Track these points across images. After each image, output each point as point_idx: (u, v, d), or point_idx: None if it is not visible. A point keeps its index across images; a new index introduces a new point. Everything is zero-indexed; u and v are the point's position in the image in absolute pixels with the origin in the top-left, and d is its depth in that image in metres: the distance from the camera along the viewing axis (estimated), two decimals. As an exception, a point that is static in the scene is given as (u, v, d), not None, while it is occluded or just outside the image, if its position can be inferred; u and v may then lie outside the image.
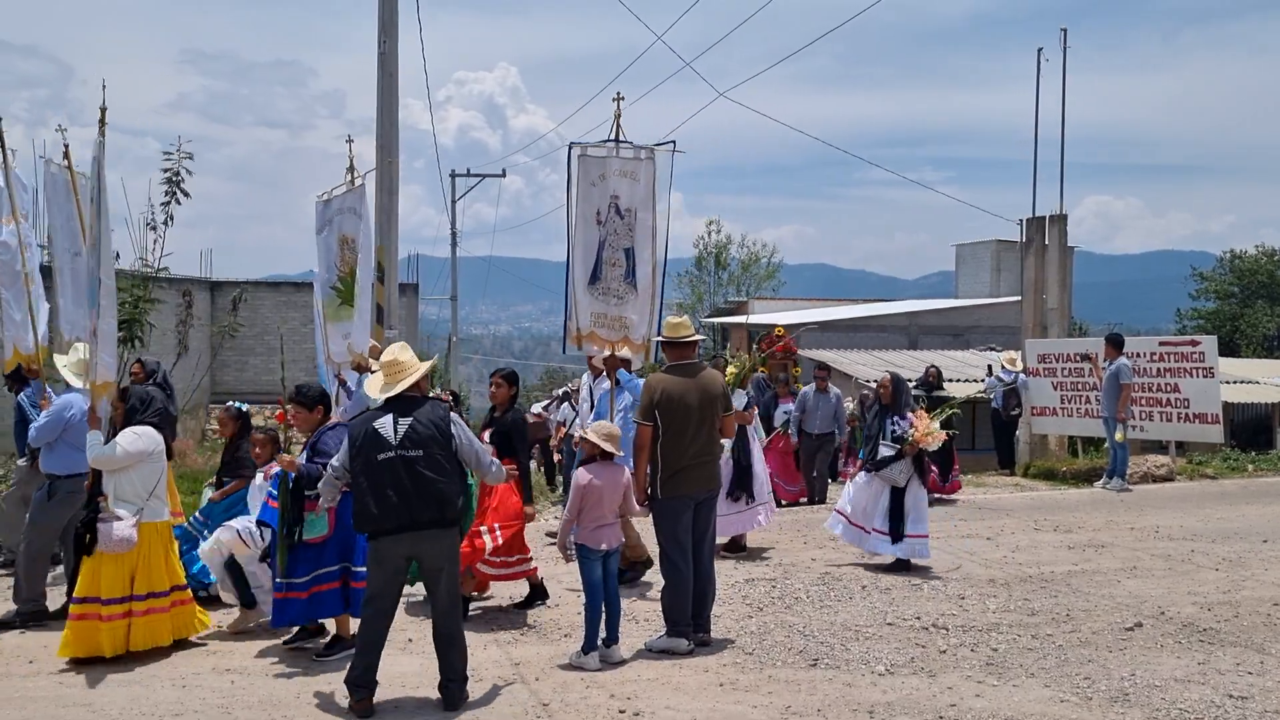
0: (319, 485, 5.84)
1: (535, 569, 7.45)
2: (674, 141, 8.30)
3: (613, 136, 8.43)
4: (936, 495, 11.55)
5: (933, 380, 12.18)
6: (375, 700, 5.47)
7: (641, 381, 7.73)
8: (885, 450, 8.63)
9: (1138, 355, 14.16)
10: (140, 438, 6.41)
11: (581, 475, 6.30)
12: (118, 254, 11.58)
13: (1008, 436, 15.85)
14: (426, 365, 5.95)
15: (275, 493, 6.46)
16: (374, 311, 9.22)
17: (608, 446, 6.33)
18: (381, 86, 11.50)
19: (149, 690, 5.81)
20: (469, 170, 37.92)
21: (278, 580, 6.34)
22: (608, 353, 8.35)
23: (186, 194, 11.46)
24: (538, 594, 7.53)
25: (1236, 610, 7.39)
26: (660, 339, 7.11)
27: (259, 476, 7.22)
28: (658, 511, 6.65)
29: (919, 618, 7.18)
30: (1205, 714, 5.38)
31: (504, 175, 38.46)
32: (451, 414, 5.69)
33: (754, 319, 34.67)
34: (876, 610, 7.39)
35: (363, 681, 5.44)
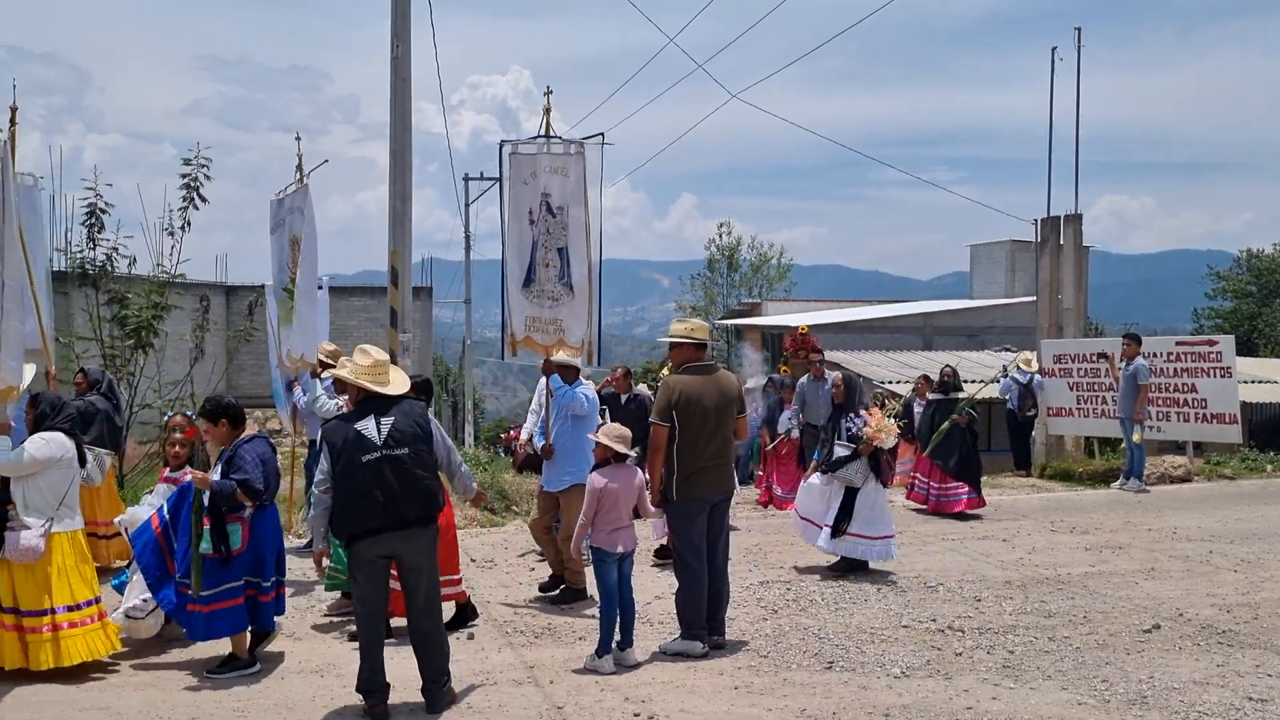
0: (313, 508, 5.65)
1: (463, 593, 7.13)
2: (602, 134, 7.99)
3: (542, 132, 8.13)
4: (968, 512, 11.41)
5: (948, 381, 11.99)
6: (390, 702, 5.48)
7: (579, 391, 7.65)
8: (840, 450, 8.50)
9: (1154, 355, 14.07)
10: (48, 444, 6.19)
11: (596, 479, 6.29)
12: (134, 259, 11.65)
13: (1023, 437, 15.77)
14: (403, 377, 5.85)
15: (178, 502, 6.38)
16: (305, 321, 8.76)
17: (620, 448, 6.33)
18: (395, 91, 11.51)
19: (165, 693, 5.83)
20: (482, 174, 37.91)
21: (191, 594, 6.23)
22: (549, 358, 8.02)
23: (204, 199, 11.49)
24: (466, 615, 7.16)
25: (1256, 612, 7.33)
26: (671, 339, 6.97)
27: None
28: (673, 513, 6.63)
29: (934, 620, 7.14)
30: (1225, 717, 5.34)
31: (517, 178, 38.43)
32: (429, 413, 5.70)
33: (768, 320, 34.63)
34: (892, 613, 7.36)
35: (373, 686, 5.46)
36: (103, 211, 11.33)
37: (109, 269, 11.50)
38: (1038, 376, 15.42)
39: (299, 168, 8.77)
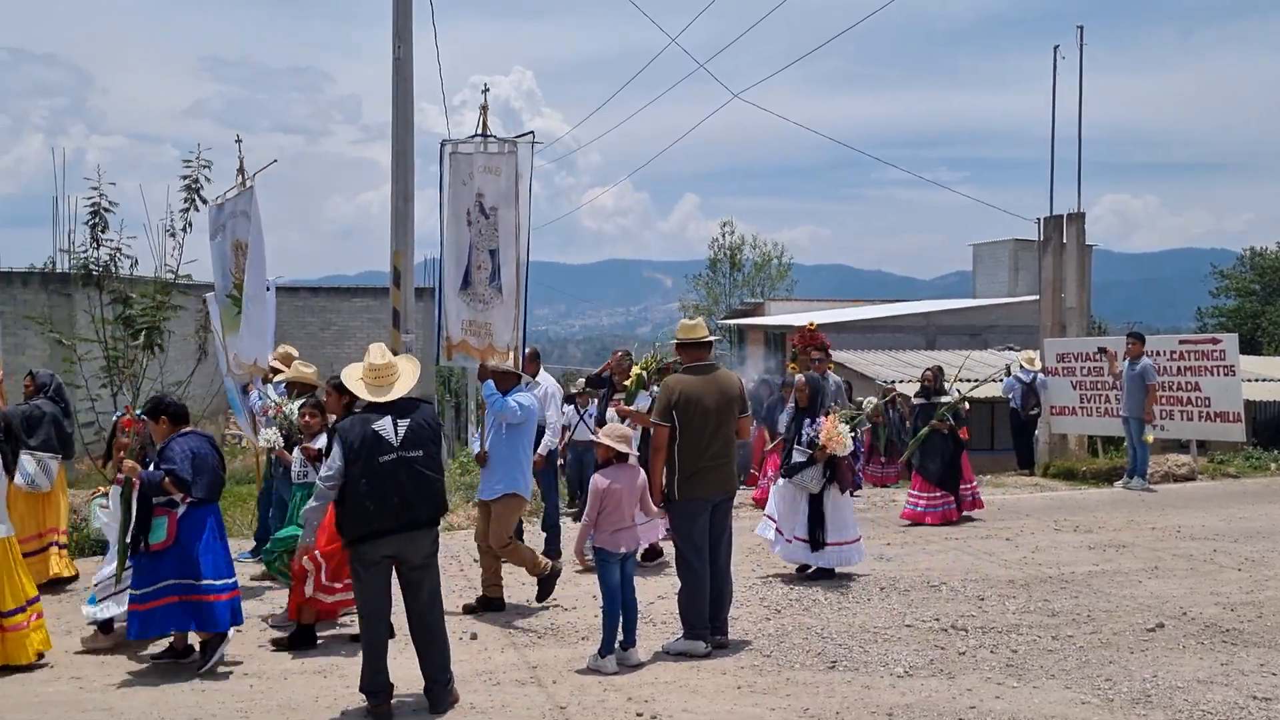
0: (312, 498, 5.69)
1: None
2: (533, 132, 7.78)
3: (479, 131, 7.94)
4: (958, 517, 10.97)
5: (929, 385, 11.42)
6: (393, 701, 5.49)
7: (511, 399, 7.43)
8: (797, 456, 8.30)
9: (1158, 354, 14.05)
10: None
11: (599, 479, 6.28)
12: (136, 260, 11.64)
13: (1027, 436, 15.75)
14: (415, 368, 5.83)
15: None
16: (255, 325, 8.66)
17: (622, 448, 6.33)
18: (396, 91, 11.51)
19: (167, 694, 5.84)
20: (485, 174, 37.93)
21: (130, 592, 6.27)
22: (483, 362, 7.80)
23: (205, 200, 11.49)
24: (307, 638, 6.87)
25: (1260, 610, 7.32)
26: (676, 340, 7.00)
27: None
28: (675, 513, 6.62)
29: (938, 619, 7.13)
30: (1228, 715, 5.33)
31: (519, 179, 38.48)
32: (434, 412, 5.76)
33: (770, 320, 34.62)
34: (895, 612, 7.35)
35: (376, 686, 5.47)
36: (106, 211, 11.34)
37: (113, 269, 11.51)
38: (1041, 375, 15.41)
39: (240, 170, 8.67)
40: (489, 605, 7.56)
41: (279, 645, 6.72)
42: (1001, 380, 16.02)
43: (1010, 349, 24.86)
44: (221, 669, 6.24)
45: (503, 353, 7.84)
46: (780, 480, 8.61)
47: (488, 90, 8.21)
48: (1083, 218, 17.00)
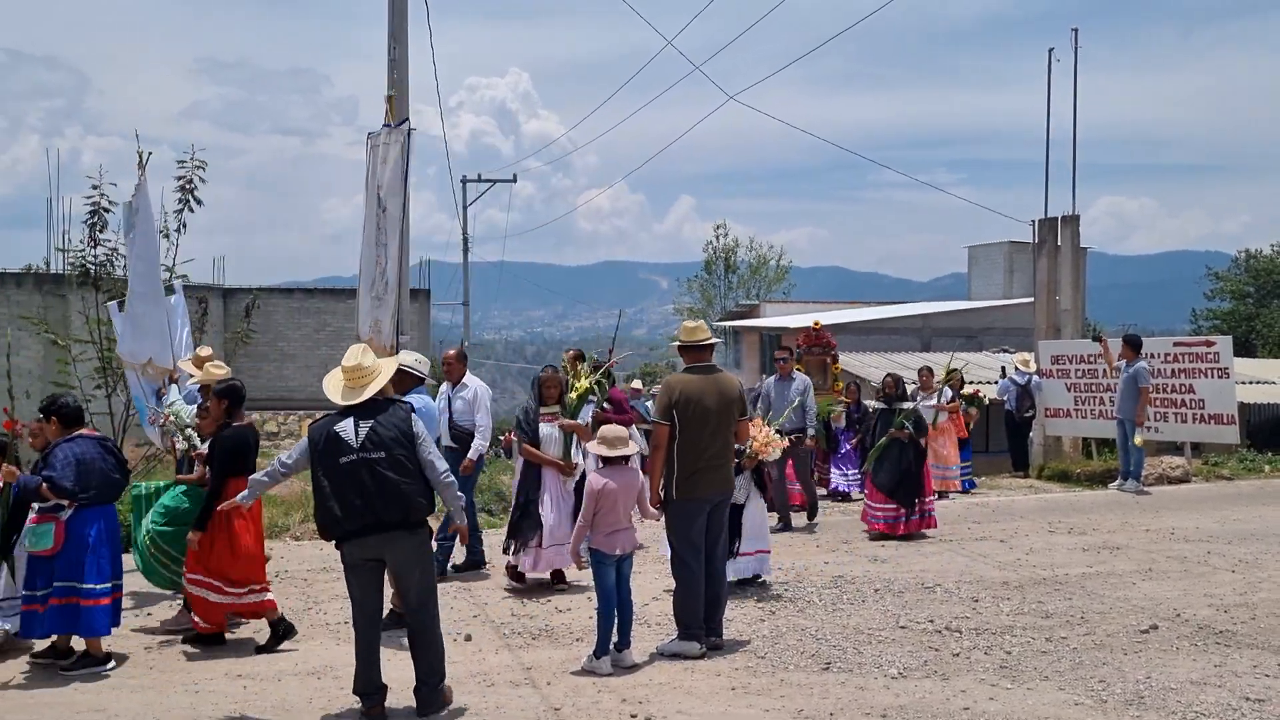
0: (263, 472, 5.79)
1: (269, 603, 6.83)
2: (408, 119, 7.60)
3: (386, 121, 7.73)
4: (903, 531, 10.16)
5: (891, 392, 10.79)
6: (387, 705, 5.48)
7: (435, 408, 7.24)
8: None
9: (1152, 356, 14.07)
10: None
11: (595, 480, 6.28)
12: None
13: (1021, 438, 15.79)
14: (390, 366, 5.81)
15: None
16: (142, 324, 8.54)
17: (618, 451, 6.32)
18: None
19: (162, 696, 5.83)
20: (480, 176, 37.98)
21: (23, 592, 6.32)
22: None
23: (200, 201, 11.50)
24: (282, 632, 6.79)
25: (1253, 612, 7.34)
26: (678, 343, 6.97)
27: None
28: (673, 513, 6.60)
29: (932, 621, 7.14)
30: (1222, 717, 5.34)
31: (515, 180, 38.51)
32: (413, 416, 5.59)
33: (766, 322, 34.65)
34: (889, 613, 7.36)
35: (369, 687, 5.45)
36: (106, 211, 11.36)
37: (109, 269, 11.52)
38: (1035, 378, 15.43)
39: (141, 166, 8.58)
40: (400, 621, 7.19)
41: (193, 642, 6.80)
42: (997, 383, 16.05)
43: (1005, 351, 24.92)
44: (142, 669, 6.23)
45: (384, 349, 7.52)
46: None
47: (396, 79, 7.87)
48: (1077, 220, 17.04)
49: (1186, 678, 5.94)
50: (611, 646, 6.21)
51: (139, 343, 8.46)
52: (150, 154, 8.84)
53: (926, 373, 13.47)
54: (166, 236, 11.53)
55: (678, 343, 7.00)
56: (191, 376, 8.23)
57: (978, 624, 7.07)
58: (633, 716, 5.43)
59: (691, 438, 6.54)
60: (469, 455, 8.42)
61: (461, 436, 8.52)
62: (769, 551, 8.21)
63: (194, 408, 7.67)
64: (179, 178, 11.32)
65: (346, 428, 5.40)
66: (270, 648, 6.65)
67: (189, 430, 7.44)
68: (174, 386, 8.45)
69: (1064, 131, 18.63)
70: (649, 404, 11.48)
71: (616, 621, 6.24)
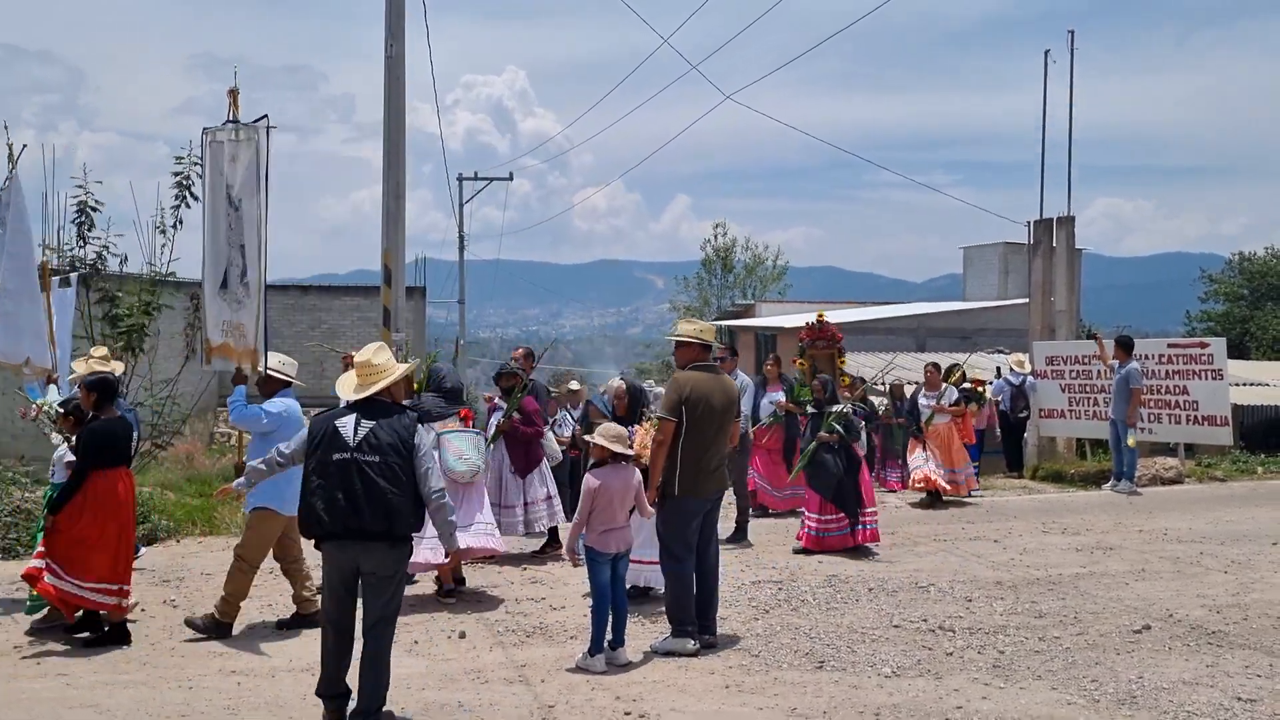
0: (260, 460, 5.78)
1: (118, 606, 6.71)
2: (266, 116, 7.38)
3: (230, 117, 7.49)
4: (853, 544, 9.45)
5: (819, 396, 10.05)
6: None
7: (259, 407, 6.99)
8: None
9: (1146, 357, 14.10)
10: None
11: (591, 479, 6.27)
12: (125, 257, 11.62)
13: (1016, 439, 15.81)
14: (402, 370, 5.66)
15: None
16: (39, 321, 8.33)
17: (618, 448, 6.32)
18: (389, 91, 11.51)
19: (155, 691, 5.82)
20: (476, 174, 37.92)
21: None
22: (239, 365, 7.39)
23: (196, 197, 11.47)
24: (117, 635, 6.72)
25: (1245, 613, 7.36)
26: (678, 338, 6.88)
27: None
28: (672, 509, 6.57)
29: (925, 620, 7.16)
30: (1213, 717, 5.36)
31: (511, 179, 38.47)
32: (419, 427, 5.40)
33: (761, 321, 34.67)
34: (883, 613, 7.37)
35: (332, 691, 5.27)
36: (93, 209, 11.32)
37: (99, 267, 11.48)
38: (1030, 378, 15.46)
39: (12, 160, 8.46)
40: (301, 622, 7.02)
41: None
42: (990, 384, 16.04)
43: (1000, 352, 24.95)
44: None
45: (248, 352, 7.37)
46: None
47: (237, 70, 7.64)
48: (1072, 221, 17.07)
49: (1179, 677, 5.96)
50: (606, 644, 6.21)
51: (14, 342, 8.14)
52: (25, 146, 8.72)
53: (932, 369, 13.25)
54: (163, 232, 11.51)
55: (681, 337, 6.86)
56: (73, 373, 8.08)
57: (971, 623, 7.09)
58: (626, 714, 5.43)
59: (699, 436, 6.54)
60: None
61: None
62: (656, 562, 7.14)
63: (54, 403, 7.63)
64: (176, 174, 11.29)
65: (347, 424, 5.27)
66: (94, 642, 6.66)
67: (58, 425, 7.44)
68: (52, 386, 8.33)
69: (1060, 133, 18.67)
70: (604, 397, 11.24)
71: (611, 620, 6.24)
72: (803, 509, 10.02)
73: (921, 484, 12.20)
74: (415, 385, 7.85)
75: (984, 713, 5.42)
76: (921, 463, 12.32)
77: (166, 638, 6.85)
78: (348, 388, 5.50)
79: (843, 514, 9.48)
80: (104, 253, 11.46)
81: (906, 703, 5.57)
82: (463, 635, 6.87)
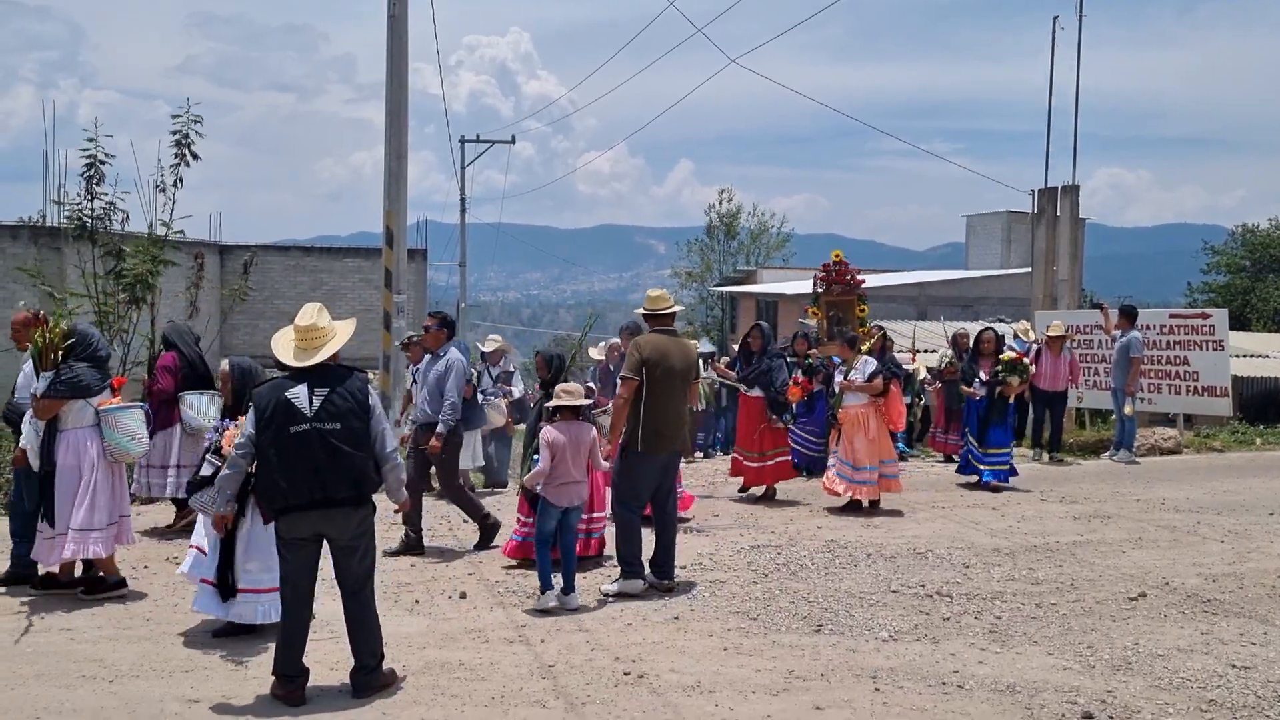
0: (226, 465, 5.34)
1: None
2: None
3: None
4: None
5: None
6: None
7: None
8: (205, 469, 5.97)
9: (1148, 327, 14.10)
10: None
11: (549, 432, 6.65)
12: (127, 215, 11.58)
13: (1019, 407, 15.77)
14: (347, 330, 5.39)
15: None
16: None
17: (574, 402, 6.73)
18: (391, 51, 11.43)
19: (159, 646, 5.87)
20: (479, 136, 37.73)
21: None
22: None
23: (196, 156, 11.41)
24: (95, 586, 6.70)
25: (1241, 582, 7.41)
26: (641, 311, 7.50)
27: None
28: (631, 463, 7.02)
29: (923, 585, 7.21)
30: (1208, 683, 5.41)
31: (514, 141, 38.30)
32: (370, 387, 5.30)
33: (762, 288, 34.61)
34: (881, 578, 7.42)
35: (289, 670, 5.11)
36: (102, 164, 11.27)
37: (106, 223, 11.45)
38: (1035, 346, 15.44)
39: None
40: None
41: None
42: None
43: (1001, 321, 24.92)
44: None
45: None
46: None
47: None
48: (1077, 190, 17.01)
49: (1174, 645, 6.00)
50: (558, 589, 6.65)
51: None
52: None
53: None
54: (164, 191, 11.46)
55: (641, 311, 7.50)
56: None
57: (968, 589, 7.14)
58: (625, 674, 5.48)
59: (659, 396, 6.98)
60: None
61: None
62: (276, 590, 5.63)
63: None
64: (174, 132, 11.23)
65: (299, 394, 5.07)
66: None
67: None
68: None
69: (1065, 101, 18.54)
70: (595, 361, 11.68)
71: (562, 567, 6.71)
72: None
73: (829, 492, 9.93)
74: (55, 353, 6.71)
75: (980, 677, 5.46)
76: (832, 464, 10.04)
77: (169, 594, 6.90)
78: (287, 350, 5.25)
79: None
80: (111, 208, 11.41)
81: (903, 666, 5.62)
82: (463, 596, 6.92)
